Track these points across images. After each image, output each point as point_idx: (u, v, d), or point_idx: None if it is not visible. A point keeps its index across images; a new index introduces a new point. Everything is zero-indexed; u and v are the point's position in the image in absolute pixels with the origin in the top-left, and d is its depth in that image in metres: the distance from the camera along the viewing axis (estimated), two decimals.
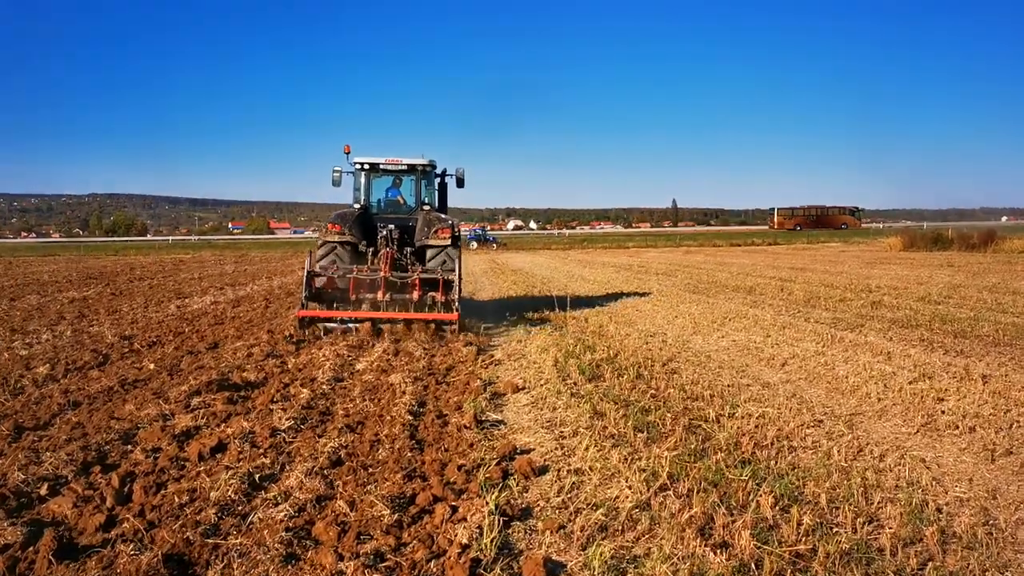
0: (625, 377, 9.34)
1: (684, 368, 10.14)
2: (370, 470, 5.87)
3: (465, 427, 7.05)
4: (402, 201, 15.93)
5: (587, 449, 6.34)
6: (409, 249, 14.62)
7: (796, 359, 10.62)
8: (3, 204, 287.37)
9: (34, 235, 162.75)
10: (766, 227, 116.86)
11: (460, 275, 13.82)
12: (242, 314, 16.72)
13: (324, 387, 8.79)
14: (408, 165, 15.53)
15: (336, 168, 15.43)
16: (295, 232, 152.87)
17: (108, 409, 7.73)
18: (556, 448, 6.61)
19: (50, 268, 39.25)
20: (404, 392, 8.55)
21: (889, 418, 7.58)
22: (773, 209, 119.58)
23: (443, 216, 15.30)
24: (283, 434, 6.73)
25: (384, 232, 14.46)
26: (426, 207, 15.55)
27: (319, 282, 13.82)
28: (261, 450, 6.26)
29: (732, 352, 11.58)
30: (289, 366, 10.18)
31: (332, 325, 13.10)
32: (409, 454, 6.26)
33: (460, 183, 16.11)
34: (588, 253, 59.30)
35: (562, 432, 7.09)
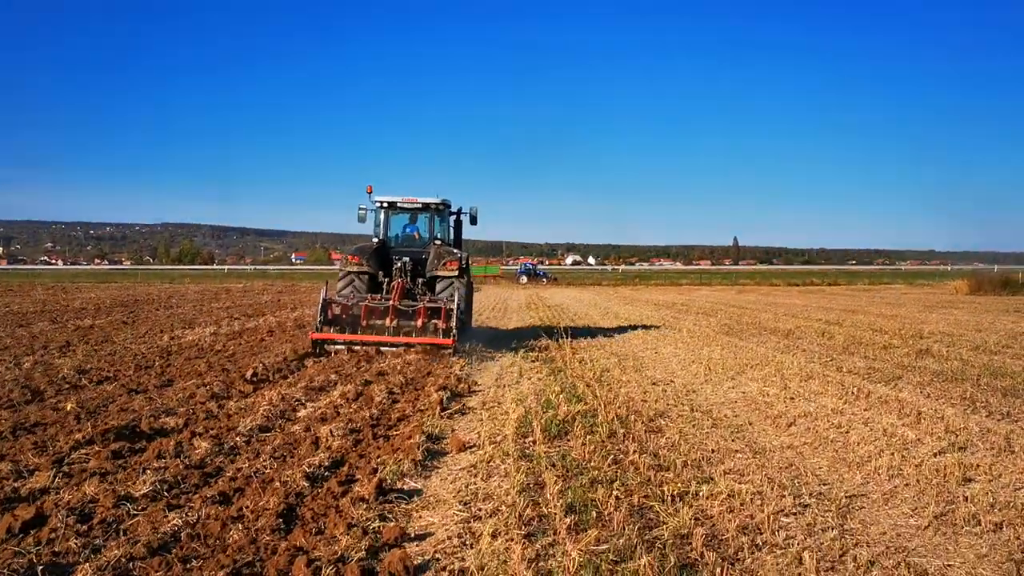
0: (595, 435, 7.96)
1: (671, 426, 8.69)
2: (193, 563, 4.63)
3: (362, 499, 5.77)
4: (417, 236, 17.26)
5: (492, 538, 5.01)
6: (421, 280, 15.96)
7: (807, 418, 9.08)
8: (80, 232, 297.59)
9: (107, 262, 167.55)
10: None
11: (460, 305, 14.86)
12: (231, 347, 15.76)
13: (238, 439, 7.61)
14: (423, 204, 16.95)
15: (361, 206, 16.79)
16: None
17: None
18: (457, 535, 5.27)
19: (93, 295, 39.35)
20: (328, 447, 7.33)
21: (896, 504, 6.04)
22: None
23: (453, 250, 16.53)
24: (131, 504, 5.54)
25: (399, 264, 15.89)
26: (438, 241, 16.72)
27: (336, 309, 14.97)
28: (82, 528, 5.07)
29: (738, 406, 10.07)
30: (225, 409, 9.06)
31: (339, 347, 14.42)
32: (267, 538, 5.01)
33: (473, 221, 17.49)
34: (636, 290, 57.74)
35: (478, 511, 5.75)
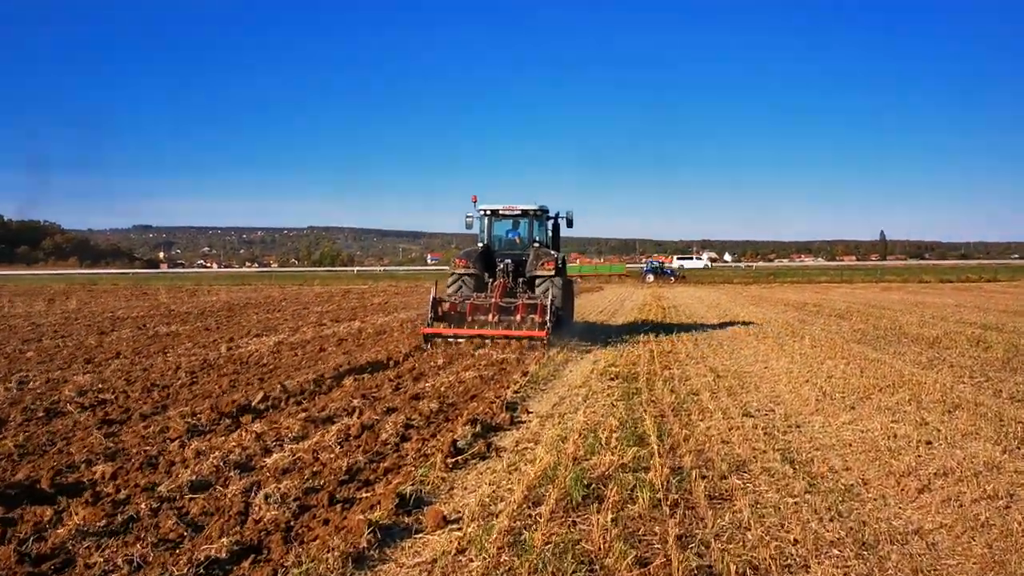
0: (633, 506, 5.73)
1: (746, 488, 6.30)
2: None
3: None
4: (518, 240, 18.77)
5: None
6: (522, 279, 17.52)
7: (948, 478, 6.48)
8: (233, 237, 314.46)
9: (256, 265, 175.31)
10: None
11: (555, 301, 16.21)
12: (284, 360, 14.30)
13: (150, 504, 5.77)
14: (522, 210, 18.50)
15: (468, 214, 18.57)
16: None
17: None
18: None
19: (214, 298, 39.54)
20: (257, 520, 5.42)
21: None
22: None
23: (550, 251, 17.95)
24: None
25: (501, 266, 17.57)
26: (536, 244, 18.29)
27: (445, 306, 16.47)
28: None
29: (851, 453, 7.51)
30: (177, 453, 7.31)
31: (450, 339, 15.82)
32: None
33: (569, 224, 19.11)
34: (769, 289, 53.75)
35: None
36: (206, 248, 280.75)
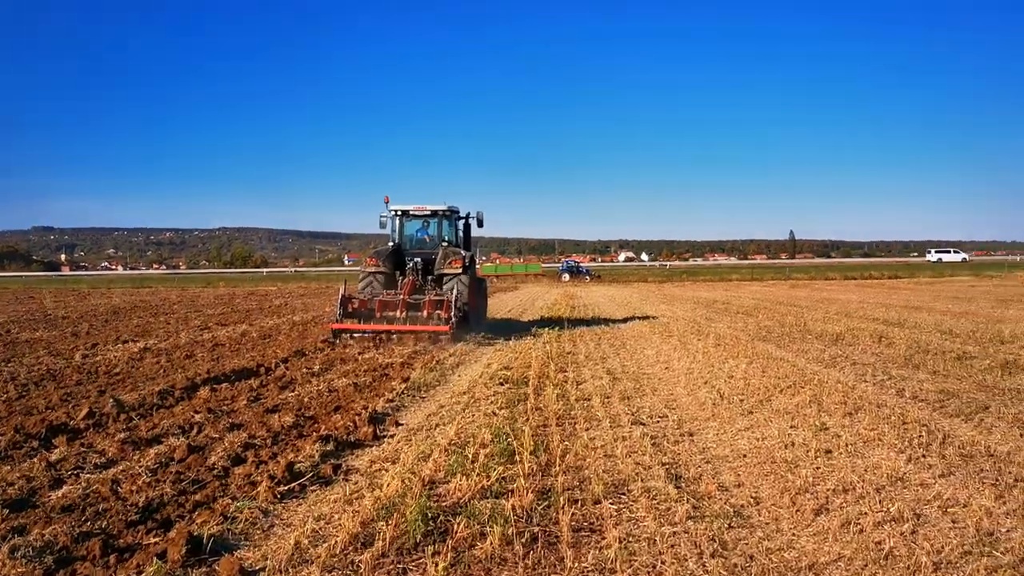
0: (482, 546, 4.74)
1: (621, 515, 5.38)
2: None
3: None
4: (428, 239, 19.24)
5: None
6: (431, 277, 17.96)
7: (849, 496, 5.68)
8: (140, 239, 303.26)
9: (164, 267, 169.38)
10: None
11: (461, 298, 16.67)
12: (138, 368, 12.89)
13: None
14: (432, 211, 19.04)
15: (382, 214, 19.06)
16: None
17: None
18: None
19: (104, 301, 37.54)
20: None
21: None
22: None
23: (459, 250, 18.43)
24: None
25: (411, 264, 18.11)
26: (445, 243, 18.87)
27: (354, 303, 16.87)
28: None
29: (746, 467, 6.69)
30: None
31: (357, 334, 16.26)
32: None
33: (480, 224, 19.62)
34: (682, 287, 53.95)
35: None
36: (112, 250, 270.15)
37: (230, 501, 5.71)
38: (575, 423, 8.50)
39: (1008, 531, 4.86)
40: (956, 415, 8.38)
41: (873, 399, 9.27)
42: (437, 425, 8.59)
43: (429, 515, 5.22)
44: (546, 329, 18.64)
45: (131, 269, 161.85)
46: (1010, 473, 6.05)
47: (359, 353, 14.48)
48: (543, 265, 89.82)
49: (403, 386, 10.91)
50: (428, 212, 19.08)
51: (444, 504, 5.57)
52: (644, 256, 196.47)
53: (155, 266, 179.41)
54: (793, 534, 5.08)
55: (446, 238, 19.10)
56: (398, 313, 16.42)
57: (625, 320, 23.14)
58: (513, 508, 5.42)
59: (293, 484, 6.17)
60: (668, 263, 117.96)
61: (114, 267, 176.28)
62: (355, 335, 16.29)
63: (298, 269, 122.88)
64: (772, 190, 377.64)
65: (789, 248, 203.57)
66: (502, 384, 11.26)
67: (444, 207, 19.02)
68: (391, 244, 18.82)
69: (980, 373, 11.16)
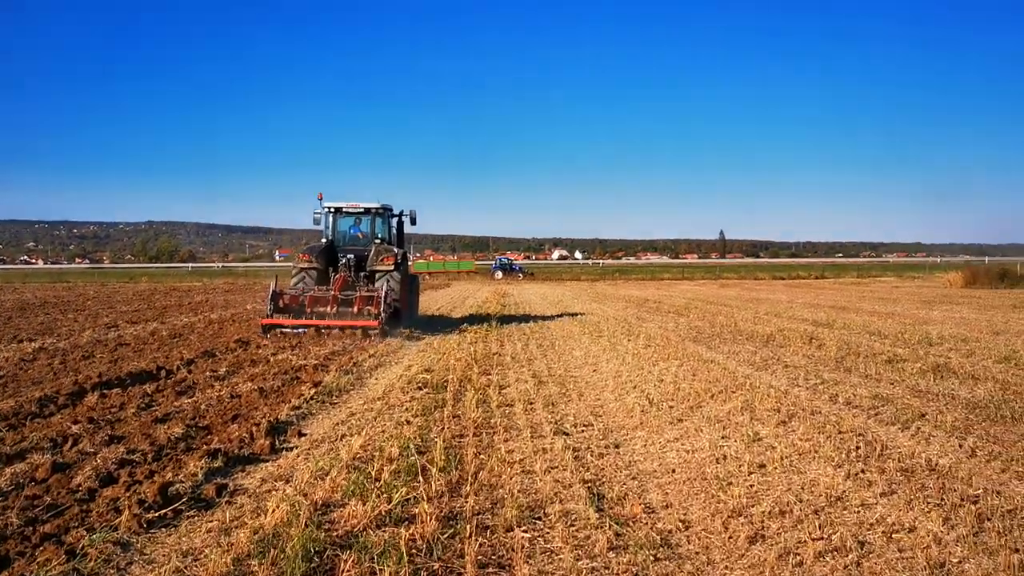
0: None
1: (536, 546, 4.77)
2: None
3: None
4: (361, 236, 19.34)
5: None
6: (363, 274, 18.05)
7: (784, 518, 5.18)
8: (63, 231, 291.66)
9: (87, 261, 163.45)
10: None
11: (391, 294, 17.00)
12: (27, 373, 11.84)
13: None
14: (365, 208, 19.25)
15: (316, 211, 19.17)
16: None
17: None
18: None
19: (12, 296, 35.72)
20: None
21: None
22: None
23: (391, 247, 18.76)
24: None
25: (343, 260, 18.11)
26: (378, 240, 18.93)
27: (286, 299, 16.92)
28: None
29: (675, 483, 6.15)
30: None
31: (287, 329, 16.26)
32: None
33: (412, 221, 20.08)
34: (614, 285, 54.06)
35: None
36: (31, 244, 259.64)
37: (86, 533, 4.91)
38: (494, 433, 7.88)
39: (960, 562, 4.40)
40: (892, 423, 8.01)
41: (807, 405, 8.87)
42: (343, 436, 7.87)
43: (313, 550, 4.53)
44: (475, 327, 18.46)
45: (52, 263, 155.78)
46: (954, 491, 5.62)
47: (272, 354, 13.62)
48: (477, 263, 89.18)
49: (313, 391, 10.14)
50: (361, 209, 19.26)
51: (335, 534, 4.88)
52: (578, 254, 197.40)
53: (78, 260, 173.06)
54: (726, 567, 4.53)
55: (379, 235, 19.20)
56: (329, 309, 16.62)
57: (555, 318, 22.68)
58: (413, 539, 4.76)
59: (166, 510, 5.40)
60: (601, 261, 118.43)
61: (34, 261, 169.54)
62: (285, 330, 16.24)
63: (225, 264, 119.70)
64: (703, 191, 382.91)
65: (720, 248, 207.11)
66: (421, 388, 10.60)
67: (377, 205, 19.19)
68: (324, 241, 19.00)
69: (912, 377, 10.89)
